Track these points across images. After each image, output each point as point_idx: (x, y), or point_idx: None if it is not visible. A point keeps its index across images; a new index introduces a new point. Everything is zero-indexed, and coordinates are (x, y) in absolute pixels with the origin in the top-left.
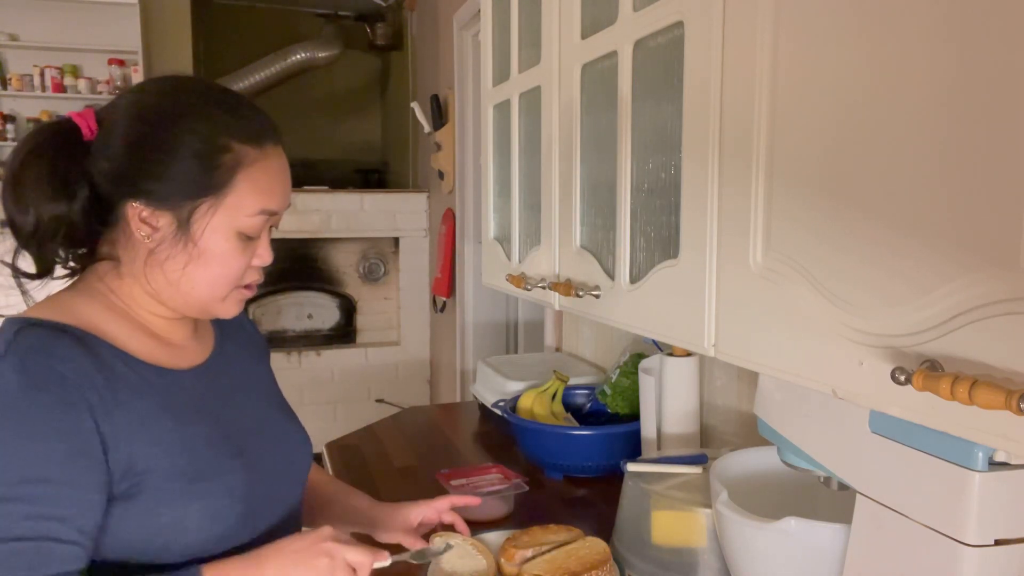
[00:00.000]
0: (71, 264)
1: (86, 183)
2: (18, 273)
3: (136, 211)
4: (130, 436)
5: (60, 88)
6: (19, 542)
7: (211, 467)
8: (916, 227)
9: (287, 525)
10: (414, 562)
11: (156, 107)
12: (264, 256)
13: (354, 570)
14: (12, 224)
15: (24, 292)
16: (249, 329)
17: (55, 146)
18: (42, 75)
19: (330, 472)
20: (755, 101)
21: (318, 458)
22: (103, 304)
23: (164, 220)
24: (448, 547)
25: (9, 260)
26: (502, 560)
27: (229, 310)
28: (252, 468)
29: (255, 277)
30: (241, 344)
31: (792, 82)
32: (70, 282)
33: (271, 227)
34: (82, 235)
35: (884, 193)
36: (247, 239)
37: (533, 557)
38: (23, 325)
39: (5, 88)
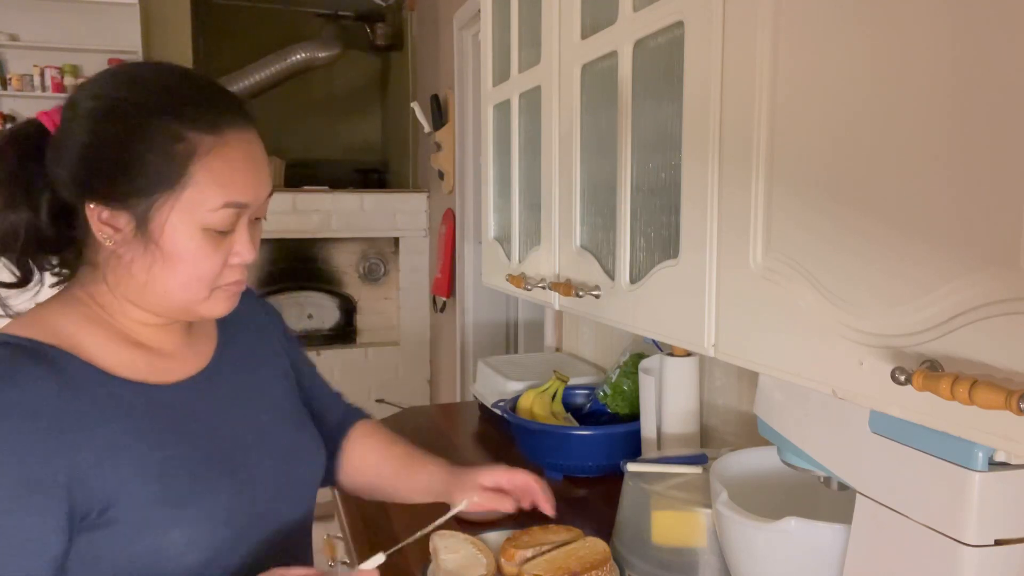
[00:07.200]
0: (59, 271)
1: (48, 188)
2: None
3: (95, 212)
4: (99, 463)
5: (60, 88)
6: None
7: (191, 492)
8: (916, 227)
9: (289, 543)
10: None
11: (104, 100)
12: (243, 253)
13: None
14: None
15: (2, 303)
16: (262, 321)
17: (17, 151)
18: (42, 75)
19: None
20: (755, 101)
21: None
22: (82, 315)
23: (123, 220)
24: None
25: None
26: (502, 560)
27: (215, 309)
28: (243, 488)
29: (236, 276)
30: (250, 343)
31: (792, 82)
32: (59, 291)
33: (256, 219)
34: (53, 242)
35: (884, 193)
36: (219, 235)
37: (533, 557)
38: None
39: (5, 88)
